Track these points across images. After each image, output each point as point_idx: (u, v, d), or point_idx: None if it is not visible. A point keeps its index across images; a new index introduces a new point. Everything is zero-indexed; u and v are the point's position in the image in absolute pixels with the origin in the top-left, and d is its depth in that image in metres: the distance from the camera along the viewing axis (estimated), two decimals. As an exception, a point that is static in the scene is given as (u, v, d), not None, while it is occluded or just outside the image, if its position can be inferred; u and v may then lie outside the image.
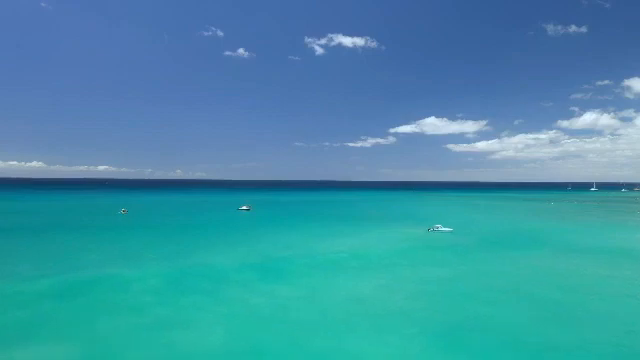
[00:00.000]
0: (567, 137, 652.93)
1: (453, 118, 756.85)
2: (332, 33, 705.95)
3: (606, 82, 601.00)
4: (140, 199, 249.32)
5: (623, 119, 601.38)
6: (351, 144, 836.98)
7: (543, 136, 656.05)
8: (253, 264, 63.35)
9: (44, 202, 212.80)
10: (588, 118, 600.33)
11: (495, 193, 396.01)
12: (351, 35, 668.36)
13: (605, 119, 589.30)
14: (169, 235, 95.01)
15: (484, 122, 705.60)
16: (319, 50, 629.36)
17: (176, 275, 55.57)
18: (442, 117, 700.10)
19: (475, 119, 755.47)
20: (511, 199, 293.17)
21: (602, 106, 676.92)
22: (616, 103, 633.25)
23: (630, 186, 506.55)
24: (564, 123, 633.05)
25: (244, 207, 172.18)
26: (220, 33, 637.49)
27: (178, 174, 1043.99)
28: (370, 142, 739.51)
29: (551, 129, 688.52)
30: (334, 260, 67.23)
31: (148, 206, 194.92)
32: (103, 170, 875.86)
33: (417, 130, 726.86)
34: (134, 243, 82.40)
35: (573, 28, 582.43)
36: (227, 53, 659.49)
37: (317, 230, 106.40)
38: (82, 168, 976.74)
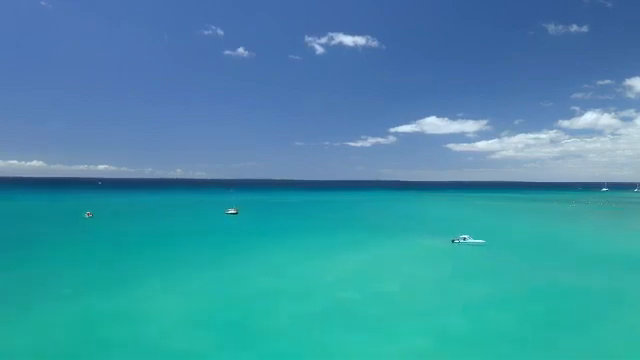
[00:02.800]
0: (567, 137, 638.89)
1: (453, 118, 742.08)
2: (333, 32, 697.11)
3: (607, 82, 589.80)
4: (122, 200, 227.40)
5: (624, 119, 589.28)
6: (351, 144, 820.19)
7: (543, 136, 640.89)
8: (207, 310, 41.03)
9: (9, 203, 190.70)
10: (589, 118, 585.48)
11: (502, 193, 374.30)
12: (352, 34, 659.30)
13: (606, 119, 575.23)
14: (118, 250, 72.90)
15: (484, 122, 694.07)
16: (319, 49, 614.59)
17: (68, 334, 33.43)
18: (442, 117, 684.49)
19: (475, 119, 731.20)
20: (523, 200, 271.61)
21: (603, 106, 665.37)
22: (617, 103, 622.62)
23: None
24: (565, 123, 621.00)
25: (231, 210, 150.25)
26: (220, 32, 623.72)
27: (178, 173, 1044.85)
28: (370, 142, 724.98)
29: (552, 129, 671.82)
30: (336, 301, 45.13)
31: (124, 208, 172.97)
32: (103, 169, 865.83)
33: (417, 130, 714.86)
34: (56, 265, 60.13)
35: (574, 28, 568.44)
36: (227, 52, 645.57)
37: (313, 243, 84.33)
38: (82, 167, 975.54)
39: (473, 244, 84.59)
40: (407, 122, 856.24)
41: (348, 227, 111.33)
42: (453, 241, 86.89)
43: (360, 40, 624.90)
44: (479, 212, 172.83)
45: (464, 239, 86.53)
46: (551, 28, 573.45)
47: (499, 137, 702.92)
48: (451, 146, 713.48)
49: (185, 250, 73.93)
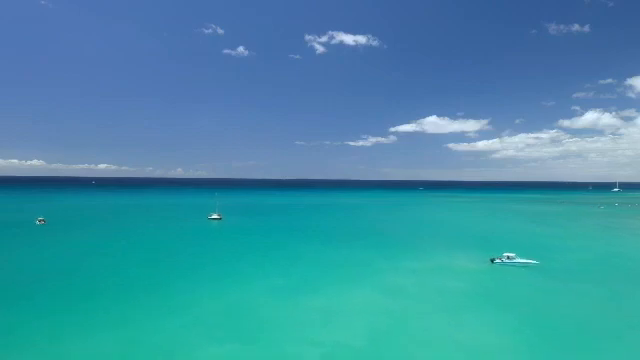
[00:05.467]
0: (568, 136, 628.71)
1: (454, 117, 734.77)
2: (333, 31, 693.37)
3: (609, 81, 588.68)
4: (102, 201, 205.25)
5: (624, 118, 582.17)
6: (352, 143, 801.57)
7: (544, 135, 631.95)
8: None
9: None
10: (590, 117, 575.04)
11: (511, 194, 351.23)
12: (353, 33, 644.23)
13: (607, 118, 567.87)
14: (30, 281, 50.97)
15: (485, 121, 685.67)
16: (320, 48, 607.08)
17: None
18: (443, 116, 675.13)
19: (476, 118, 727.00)
20: (541, 202, 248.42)
21: (604, 105, 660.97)
22: (619, 102, 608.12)
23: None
24: (565, 122, 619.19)
25: (215, 215, 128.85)
26: (220, 31, 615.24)
27: (179, 172, 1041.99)
28: (371, 141, 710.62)
29: (552, 128, 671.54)
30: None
31: (95, 211, 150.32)
32: (104, 168, 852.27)
33: (418, 129, 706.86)
34: None
35: (576, 27, 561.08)
36: (226, 51, 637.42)
37: (304, 267, 62.02)
38: (82, 167, 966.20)
39: (521, 265, 62.76)
40: (408, 121, 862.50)
41: (351, 240, 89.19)
42: (493, 261, 65.07)
43: (361, 39, 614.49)
44: (502, 217, 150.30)
45: (508, 258, 64.64)
46: (552, 28, 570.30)
47: (500, 137, 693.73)
48: (452, 146, 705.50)
49: (119, 281, 51.60)
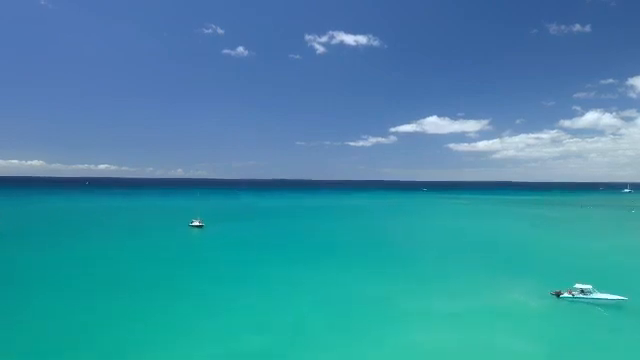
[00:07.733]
0: (569, 137, 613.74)
1: (454, 117, 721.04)
2: (333, 30, 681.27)
3: (610, 81, 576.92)
4: (79, 204, 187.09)
5: (625, 119, 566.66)
6: (352, 143, 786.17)
7: (545, 136, 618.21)
8: None
9: None
10: (590, 117, 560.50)
11: (520, 195, 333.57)
12: (353, 33, 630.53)
13: (607, 118, 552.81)
14: None
15: (486, 121, 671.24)
16: (320, 48, 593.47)
17: None
18: (443, 116, 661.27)
19: (477, 118, 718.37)
20: (561, 205, 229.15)
21: (605, 105, 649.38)
22: (620, 102, 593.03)
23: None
24: (566, 122, 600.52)
25: (196, 222, 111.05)
26: (220, 31, 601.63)
27: (179, 173, 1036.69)
28: (371, 141, 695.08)
29: (553, 129, 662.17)
30: None
31: (63, 216, 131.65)
32: (104, 169, 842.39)
33: (418, 129, 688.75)
34: None
35: (577, 27, 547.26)
36: (226, 51, 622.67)
37: (294, 313, 43.24)
38: (82, 167, 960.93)
39: (600, 303, 44.60)
40: (408, 122, 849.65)
41: (359, 259, 70.56)
42: (559, 295, 46.91)
43: (361, 39, 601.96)
44: (533, 225, 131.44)
45: (582, 292, 46.39)
46: (553, 28, 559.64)
47: (500, 137, 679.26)
48: (452, 146, 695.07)
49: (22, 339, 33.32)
